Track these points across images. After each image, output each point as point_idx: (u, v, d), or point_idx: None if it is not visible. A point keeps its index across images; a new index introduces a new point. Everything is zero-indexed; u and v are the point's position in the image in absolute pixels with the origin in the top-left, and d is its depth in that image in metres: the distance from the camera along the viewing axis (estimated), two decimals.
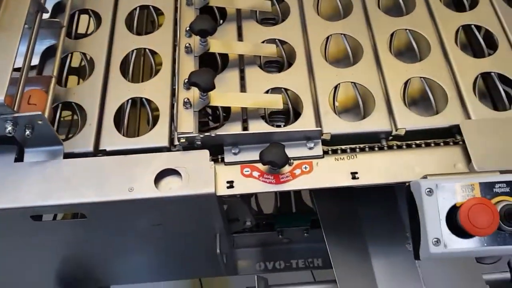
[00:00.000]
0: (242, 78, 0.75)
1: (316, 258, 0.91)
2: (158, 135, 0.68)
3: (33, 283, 0.86)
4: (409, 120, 0.68)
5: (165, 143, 0.67)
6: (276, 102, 0.69)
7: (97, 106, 0.71)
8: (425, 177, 0.54)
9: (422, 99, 0.75)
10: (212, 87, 0.65)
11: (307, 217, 0.87)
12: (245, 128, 0.69)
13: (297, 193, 0.93)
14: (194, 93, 0.68)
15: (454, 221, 0.48)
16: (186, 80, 0.67)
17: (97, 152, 0.67)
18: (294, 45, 0.77)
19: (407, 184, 0.55)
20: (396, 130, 0.68)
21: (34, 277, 0.84)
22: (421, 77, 0.73)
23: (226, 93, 0.70)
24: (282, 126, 0.73)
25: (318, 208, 0.75)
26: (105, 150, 0.67)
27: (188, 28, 0.72)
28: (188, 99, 0.66)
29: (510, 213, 0.47)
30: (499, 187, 0.49)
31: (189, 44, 0.72)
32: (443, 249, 0.47)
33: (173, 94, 0.71)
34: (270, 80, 0.74)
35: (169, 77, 0.73)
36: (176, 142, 0.67)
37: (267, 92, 0.72)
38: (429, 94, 0.72)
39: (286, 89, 0.73)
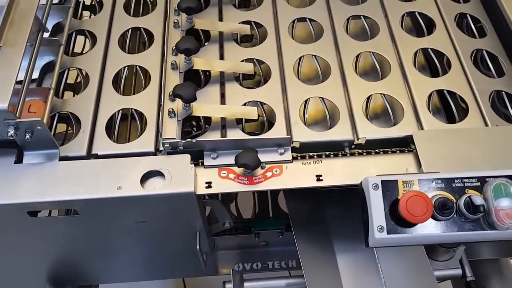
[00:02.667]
0: (223, 93, 0.83)
1: (291, 260, 0.98)
2: (145, 142, 0.76)
3: (23, 280, 0.92)
4: (369, 130, 0.77)
5: (151, 148, 0.75)
6: (252, 113, 0.77)
7: (90, 115, 0.79)
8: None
9: (382, 113, 0.84)
10: (194, 98, 0.73)
11: (282, 221, 0.94)
12: (223, 135, 0.77)
13: (274, 198, 1.01)
14: (178, 104, 0.76)
15: (396, 212, 0.56)
16: (171, 92, 0.75)
17: (90, 156, 0.75)
18: (270, 64, 0.86)
19: (359, 182, 0.63)
20: (358, 139, 0.76)
21: (24, 274, 0.90)
22: (381, 94, 0.82)
23: (207, 104, 0.78)
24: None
25: (289, 209, 0.82)
26: (96, 154, 0.75)
27: (174, 47, 0.81)
28: (172, 109, 0.75)
29: (442, 204, 0.55)
30: (436, 183, 0.58)
31: (175, 62, 0.80)
32: (386, 235, 0.55)
33: (159, 105, 0.80)
34: (247, 94, 0.83)
35: (157, 90, 0.82)
36: (161, 148, 0.75)
37: (244, 105, 0.81)
38: (388, 108, 0.81)
39: (261, 103, 0.82)
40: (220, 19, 0.95)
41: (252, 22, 0.93)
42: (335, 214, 0.82)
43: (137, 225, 0.76)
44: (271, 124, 0.81)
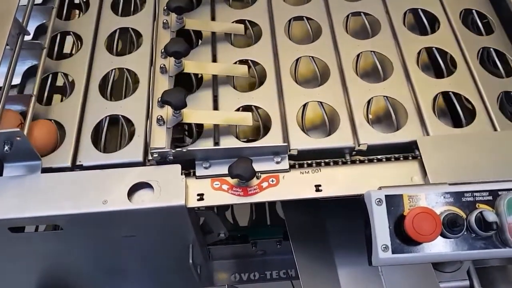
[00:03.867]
0: (216, 97, 0.79)
1: (290, 269, 0.94)
2: (132, 151, 0.71)
3: None
4: (371, 136, 0.72)
5: (139, 158, 0.71)
6: (246, 119, 0.73)
7: (75, 123, 0.74)
8: (379, 189, 0.57)
9: (385, 117, 0.79)
10: (184, 105, 0.69)
11: (280, 229, 0.90)
12: (216, 143, 0.73)
13: (271, 206, 0.96)
14: (167, 111, 0.71)
15: (402, 229, 0.52)
16: (160, 98, 0.71)
17: (74, 167, 0.70)
18: (265, 65, 0.82)
19: (361, 194, 0.58)
20: (359, 146, 0.72)
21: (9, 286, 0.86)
22: (383, 96, 0.78)
23: (198, 110, 0.74)
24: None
25: (286, 219, 0.78)
26: (81, 165, 0.70)
27: (163, 50, 0.76)
28: (161, 116, 0.70)
29: (452, 221, 0.51)
30: (444, 197, 0.53)
31: (164, 65, 0.76)
32: (391, 255, 0.50)
33: (148, 111, 0.75)
34: (241, 98, 0.78)
35: (145, 96, 0.77)
36: (150, 157, 0.70)
37: (238, 109, 0.77)
38: (390, 111, 0.77)
39: (256, 107, 0.77)
40: (213, 18, 0.90)
41: (247, 21, 0.88)
42: (335, 224, 0.78)
43: (125, 239, 0.72)
44: (266, 129, 0.76)
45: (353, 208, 0.75)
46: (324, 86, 0.79)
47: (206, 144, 0.73)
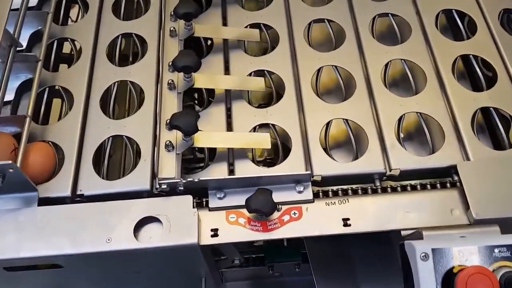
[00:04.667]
0: (228, 110, 0.71)
1: None
2: (139, 178, 0.64)
3: None
4: (404, 160, 0.65)
5: (146, 186, 0.64)
6: (264, 142, 0.65)
7: (75, 145, 0.67)
8: (419, 232, 0.50)
9: (417, 136, 0.71)
10: (195, 130, 0.61)
11: (298, 251, 0.83)
12: (231, 170, 0.66)
13: None
14: (177, 134, 0.64)
15: (451, 287, 0.45)
16: (168, 121, 0.63)
17: (74, 196, 0.63)
18: (283, 76, 0.74)
19: (400, 242, 0.51)
20: (390, 171, 0.64)
21: None
22: (417, 112, 0.69)
23: (210, 132, 0.66)
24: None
25: (308, 248, 0.71)
26: (82, 194, 0.63)
27: (170, 63, 0.68)
28: (170, 141, 0.63)
29: (510, 282, 0.44)
30: (499, 251, 0.46)
31: (172, 81, 0.68)
32: None
33: (155, 132, 0.68)
34: (257, 115, 0.70)
35: (152, 113, 0.70)
36: (157, 186, 0.63)
37: (254, 129, 0.69)
38: (425, 130, 0.68)
39: (273, 125, 0.70)
40: (224, 20, 0.82)
41: (262, 25, 0.80)
42: (362, 254, 0.71)
43: (131, 275, 0.65)
44: (286, 148, 0.69)
45: (381, 236, 0.68)
46: (350, 100, 0.71)
47: (219, 168, 0.66)
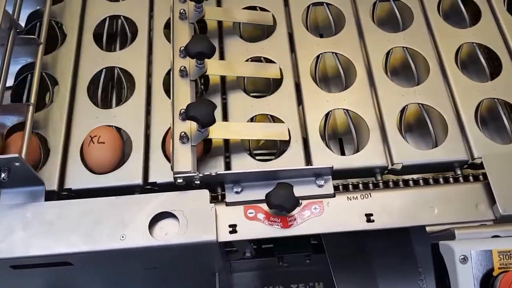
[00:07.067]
0: (224, 102, 0.68)
1: (318, 282, 0.86)
2: (130, 172, 0.61)
3: None
4: (407, 153, 0.63)
5: (138, 180, 0.61)
6: (283, 133, 0.63)
7: (62, 136, 0.64)
8: (451, 232, 0.48)
9: (418, 125, 0.69)
10: (212, 121, 0.58)
11: (308, 242, 0.81)
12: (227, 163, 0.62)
13: None
14: (191, 125, 0.61)
15: None
16: (183, 110, 0.60)
17: (62, 191, 0.60)
18: (281, 64, 0.70)
19: (433, 242, 0.49)
20: (392, 165, 0.62)
21: None
22: (419, 104, 0.67)
23: (227, 123, 0.63)
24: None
25: (325, 241, 0.69)
26: (70, 189, 0.61)
27: (182, 48, 0.64)
28: (185, 133, 0.59)
29: None
30: None
31: (184, 67, 0.64)
32: None
33: (147, 123, 0.65)
34: (254, 106, 0.67)
35: (143, 101, 0.66)
36: (151, 180, 0.61)
37: (252, 119, 0.66)
38: (428, 123, 0.66)
39: (272, 116, 0.66)
40: (218, 4, 0.77)
41: (258, 8, 0.76)
42: (379, 246, 0.69)
43: (145, 271, 0.63)
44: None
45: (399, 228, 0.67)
46: (350, 89, 0.68)
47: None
